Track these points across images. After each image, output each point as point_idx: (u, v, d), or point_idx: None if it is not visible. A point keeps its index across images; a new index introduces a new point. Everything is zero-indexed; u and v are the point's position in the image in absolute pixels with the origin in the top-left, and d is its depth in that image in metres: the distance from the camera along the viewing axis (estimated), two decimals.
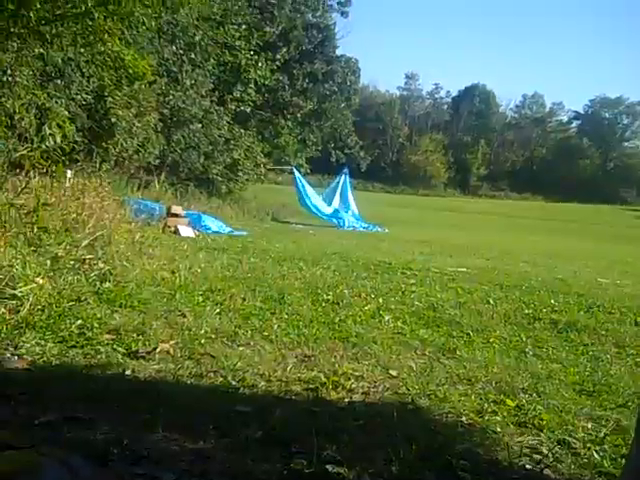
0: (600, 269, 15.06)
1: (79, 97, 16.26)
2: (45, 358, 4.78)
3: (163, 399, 4.09)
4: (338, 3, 40.48)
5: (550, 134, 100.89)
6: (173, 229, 14.84)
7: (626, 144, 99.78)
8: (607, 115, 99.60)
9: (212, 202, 25.82)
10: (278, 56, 33.50)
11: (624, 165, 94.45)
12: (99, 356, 4.95)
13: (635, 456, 1.00)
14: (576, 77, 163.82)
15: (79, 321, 5.59)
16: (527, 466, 3.64)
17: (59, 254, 7.29)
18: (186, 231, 14.96)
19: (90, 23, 11.57)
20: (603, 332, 7.41)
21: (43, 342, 5.06)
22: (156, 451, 3.36)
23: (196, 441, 3.53)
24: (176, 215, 15.94)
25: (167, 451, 3.39)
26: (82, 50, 13.21)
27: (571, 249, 23.91)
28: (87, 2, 10.98)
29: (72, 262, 7.29)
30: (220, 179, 28.46)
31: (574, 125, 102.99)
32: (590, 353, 6.48)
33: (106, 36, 12.21)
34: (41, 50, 12.55)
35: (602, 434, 4.12)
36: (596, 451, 3.84)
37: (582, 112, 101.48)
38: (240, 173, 29.56)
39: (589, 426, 4.27)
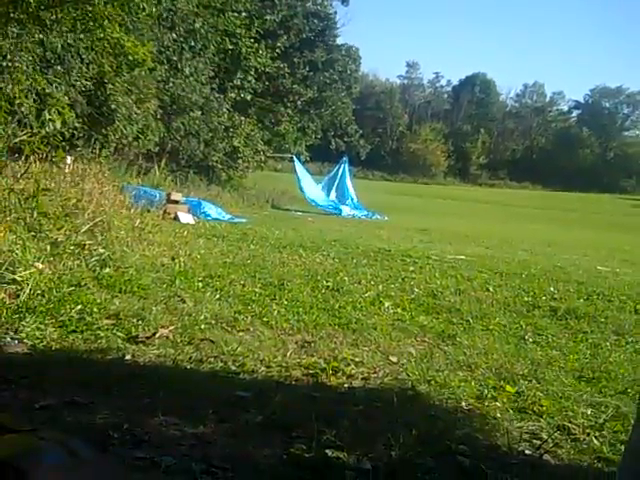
0: (599, 257, 15.07)
1: (79, 83, 16.19)
2: (45, 342, 4.79)
3: (163, 384, 4.10)
4: None
5: (550, 123, 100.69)
6: (173, 215, 14.81)
7: (626, 134, 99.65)
8: (607, 105, 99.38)
9: (212, 189, 25.76)
10: (278, 44, 33.39)
11: (624, 154, 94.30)
12: (99, 341, 4.96)
13: (635, 440, 1.00)
14: (577, 67, 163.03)
15: (79, 306, 5.58)
16: (526, 451, 3.66)
17: (59, 239, 7.28)
18: (186, 218, 14.94)
19: (90, 9, 11.55)
20: (602, 320, 7.43)
21: (43, 327, 5.06)
22: (156, 435, 3.37)
23: (196, 426, 3.54)
24: (176, 202, 15.91)
25: (167, 435, 3.40)
26: (82, 36, 13.18)
27: (570, 238, 23.90)
28: None
29: (72, 247, 7.28)
30: (220, 166, 28.39)
31: (574, 114, 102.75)
32: (589, 340, 6.49)
33: (106, 22, 12.19)
34: (41, 36, 12.52)
35: (601, 420, 4.14)
36: (595, 437, 3.85)
37: (582, 101, 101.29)
38: (240, 160, 29.49)
39: (588, 412, 4.28)
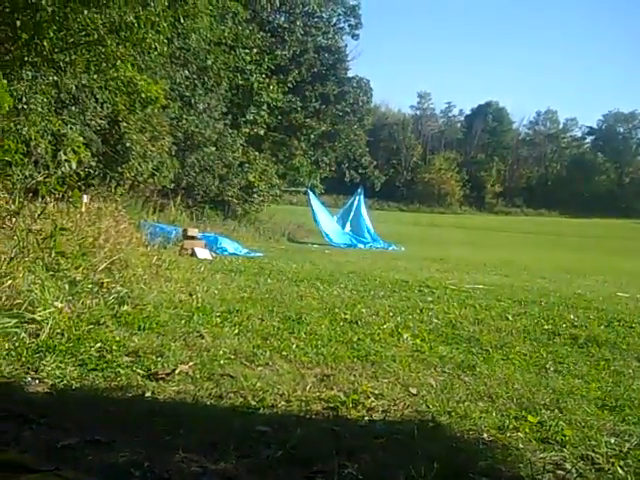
0: (619, 284, 14.97)
1: (93, 122, 16.42)
2: (65, 381, 4.79)
3: (183, 420, 4.09)
4: (349, 26, 40.75)
5: (564, 150, 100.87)
6: (190, 251, 14.88)
7: None
8: (621, 130, 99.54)
9: (228, 224, 25.91)
10: (290, 78, 33.73)
11: None
12: (119, 378, 4.95)
13: None
14: (589, 92, 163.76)
15: (98, 344, 5.60)
16: None
17: (77, 278, 7.33)
18: (203, 253, 15.00)
19: (102, 50, 11.72)
20: (624, 346, 7.35)
21: (63, 365, 5.07)
22: (177, 472, 3.35)
23: (217, 462, 3.52)
24: (192, 237, 15.98)
25: (188, 472, 3.38)
26: (95, 76, 13.35)
27: (589, 264, 23.79)
28: (99, 29, 11.12)
29: (90, 286, 7.32)
30: (235, 201, 28.58)
31: (588, 140, 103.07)
32: (612, 368, 6.40)
33: (119, 62, 12.36)
34: (55, 77, 12.69)
35: (625, 449, 4.08)
36: (620, 466, 3.79)
37: (596, 127, 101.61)
38: (255, 195, 29.68)
39: (612, 441, 4.22)
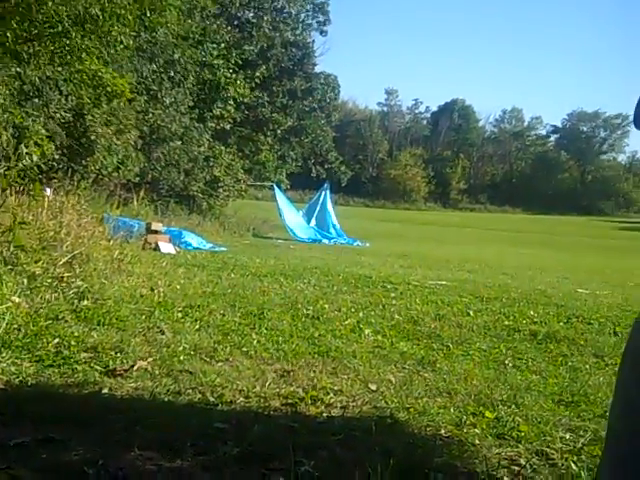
0: (579, 280, 15.13)
1: (58, 115, 16.24)
2: (21, 378, 4.73)
3: (140, 417, 4.06)
4: (317, 22, 40.75)
5: (529, 148, 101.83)
6: (153, 246, 14.77)
7: (603, 157, 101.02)
8: (584, 129, 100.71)
9: (193, 218, 25.76)
10: (257, 73, 33.60)
11: (602, 177, 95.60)
12: (76, 375, 4.90)
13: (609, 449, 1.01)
14: (554, 91, 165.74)
15: (56, 340, 5.54)
16: (505, 478, 3.64)
17: (36, 272, 7.24)
18: (166, 247, 14.90)
19: (67, 42, 11.58)
20: (582, 342, 7.43)
21: (19, 361, 5.01)
22: (132, 470, 3.34)
23: (173, 459, 3.51)
24: (156, 232, 15.87)
25: (143, 470, 3.36)
26: (60, 69, 13.21)
27: (550, 260, 24.02)
28: (64, 22, 11.00)
29: (49, 280, 7.24)
30: (201, 195, 28.42)
31: (552, 139, 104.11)
32: (569, 364, 6.48)
33: (84, 55, 12.23)
34: (18, 69, 12.53)
35: (580, 445, 4.13)
36: (574, 462, 3.84)
37: (560, 126, 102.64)
38: (221, 189, 29.53)
39: (567, 437, 4.27)
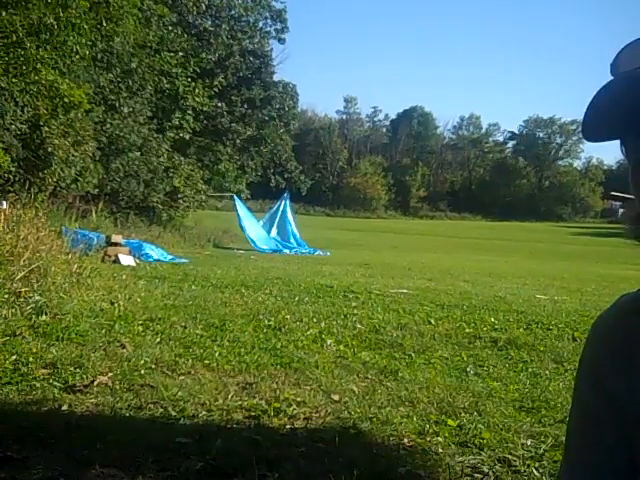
0: (538, 286, 15.30)
1: (13, 127, 16.00)
2: None
3: (101, 433, 4.02)
4: (275, 30, 40.73)
5: (487, 154, 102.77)
6: (113, 258, 14.64)
7: (560, 163, 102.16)
8: (541, 135, 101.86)
9: (153, 230, 25.56)
10: (216, 82, 33.46)
11: (559, 183, 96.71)
12: (34, 392, 4.83)
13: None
14: (511, 98, 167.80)
15: (14, 356, 5.47)
16: None
17: None
18: (127, 260, 14.78)
19: (22, 52, 11.45)
20: (542, 348, 7.52)
21: None
22: None
23: (135, 476, 3.48)
24: (116, 244, 15.75)
25: None
26: (15, 80, 13.03)
27: (510, 267, 24.23)
28: (18, 31, 10.87)
29: (6, 295, 7.14)
30: (160, 207, 28.21)
31: (510, 145, 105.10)
32: (529, 370, 6.55)
33: (39, 65, 12.09)
34: None
35: (541, 450, 4.17)
36: (535, 468, 3.88)
37: (517, 132, 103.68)
38: (180, 200, 29.35)
39: (529, 443, 4.31)
